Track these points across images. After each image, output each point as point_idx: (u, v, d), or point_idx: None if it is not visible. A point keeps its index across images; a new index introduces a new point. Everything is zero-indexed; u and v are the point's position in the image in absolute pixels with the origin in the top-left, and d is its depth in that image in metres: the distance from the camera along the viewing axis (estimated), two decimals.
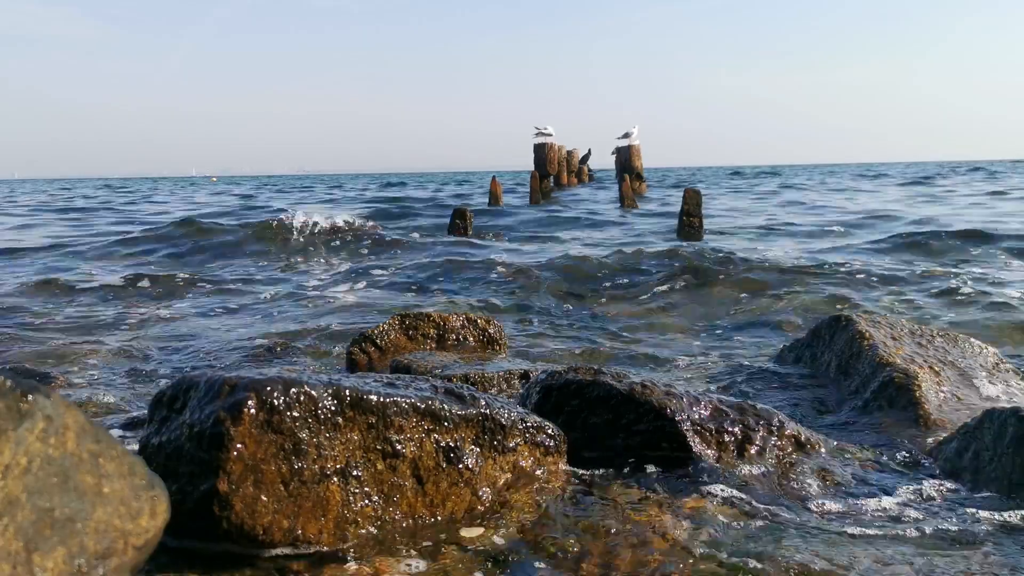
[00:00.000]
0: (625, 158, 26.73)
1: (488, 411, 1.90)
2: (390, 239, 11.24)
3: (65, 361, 4.52)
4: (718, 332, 5.62)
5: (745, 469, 2.16)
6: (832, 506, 1.98)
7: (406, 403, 1.79)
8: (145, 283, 7.83)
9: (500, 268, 8.34)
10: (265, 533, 1.60)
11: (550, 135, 26.74)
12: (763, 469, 2.18)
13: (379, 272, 8.67)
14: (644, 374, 2.98)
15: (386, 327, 3.95)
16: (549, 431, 2.01)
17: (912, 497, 2.04)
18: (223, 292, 7.57)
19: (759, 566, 1.62)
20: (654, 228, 14.17)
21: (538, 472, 1.97)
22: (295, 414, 1.65)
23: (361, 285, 7.87)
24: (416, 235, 12.35)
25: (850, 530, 1.82)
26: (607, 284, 7.55)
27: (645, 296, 7.00)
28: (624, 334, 5.53)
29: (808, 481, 2.15)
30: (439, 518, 1.81)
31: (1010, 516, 1.91)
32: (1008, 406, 2.19)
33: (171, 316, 6.23)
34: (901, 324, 3.39)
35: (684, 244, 10.12)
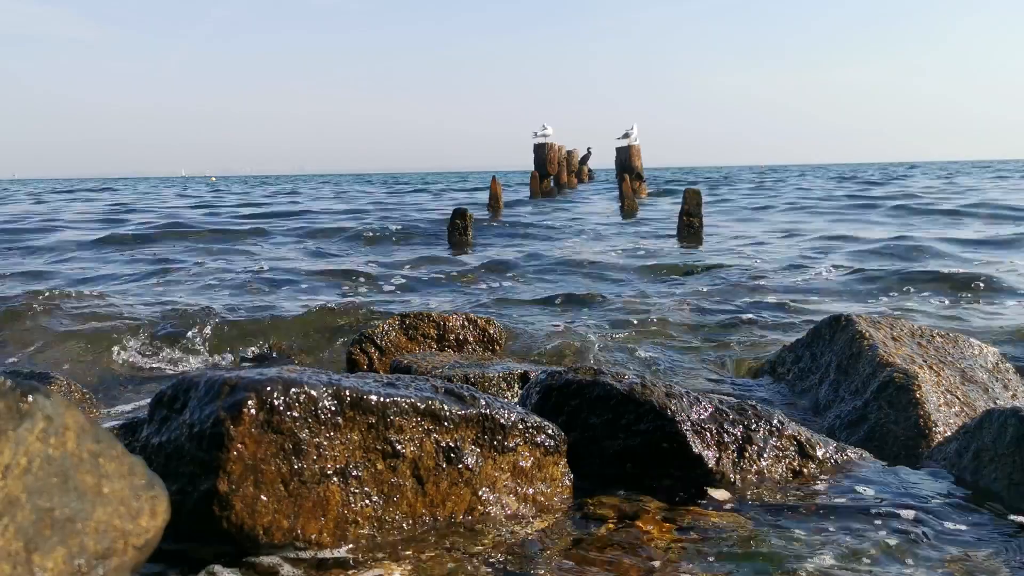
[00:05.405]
0: (624, 158, 26.67)
1: (488, 411, 1.90)
2: None
3: None
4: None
5: (746, 470, 2.16)
6: (833, 508, 1.97)
7: (406, 403, 1.79)
8: None
9: None
10: (265, 533, 1.60)
11: (549, 134, 26.74)
12: (764, 470, 2.18)
13: None
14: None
15: (386, 327, 3.95)
16: (549, 431, 2.00)
17: (912, 498, 2.04)
18: None
19: (758, 571, 1.62)
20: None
21: (538, 473, 1.97)
22: (295, 414, 1.65)
23: None
24: None
25: (852, 533, 1.82)
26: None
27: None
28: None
29: (809, 482, 2.15)
30: (439, 518, 1.80)
31: (1010, 517, 1.91)
32: (1008, 406, 2.19)
33: None
34: (901, 324, 3.39)
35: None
